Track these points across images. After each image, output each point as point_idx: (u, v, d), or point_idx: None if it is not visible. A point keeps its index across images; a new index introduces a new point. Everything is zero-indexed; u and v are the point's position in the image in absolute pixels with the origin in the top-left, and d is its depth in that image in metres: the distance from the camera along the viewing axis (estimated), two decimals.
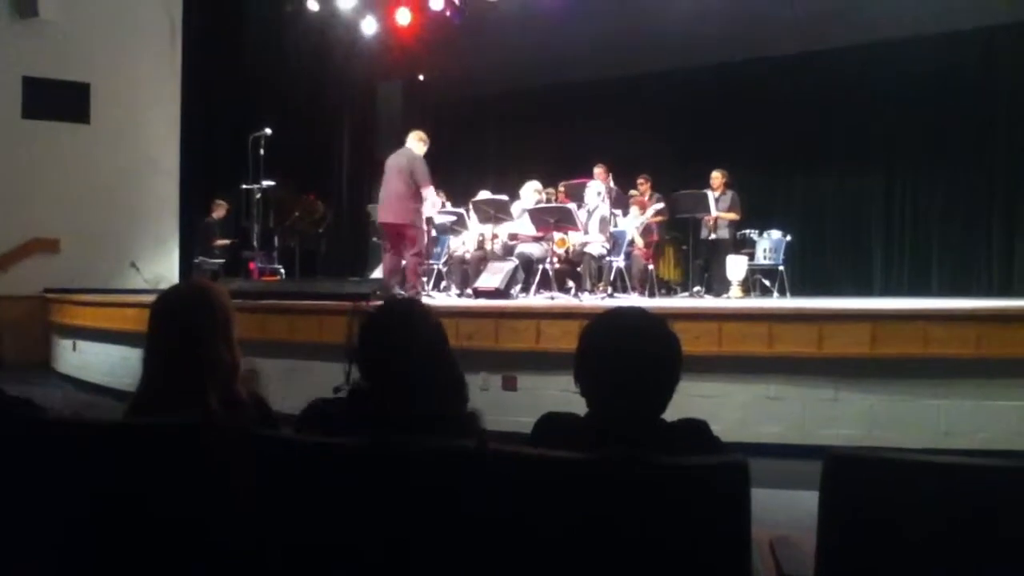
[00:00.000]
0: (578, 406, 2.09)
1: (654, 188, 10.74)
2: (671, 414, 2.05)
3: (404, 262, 8.57)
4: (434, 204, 8.62)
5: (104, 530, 2.04)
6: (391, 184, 8.31)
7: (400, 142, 8.66)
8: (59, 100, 10.90)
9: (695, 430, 2.04)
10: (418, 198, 8.28)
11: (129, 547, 2.04)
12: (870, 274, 11.99)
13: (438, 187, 9.46)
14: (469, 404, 2.26)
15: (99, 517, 2.04)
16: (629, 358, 1.99)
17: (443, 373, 2.19)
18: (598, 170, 10.62)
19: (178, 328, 2.21)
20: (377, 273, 9.86)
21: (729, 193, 10.22)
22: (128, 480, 2.05)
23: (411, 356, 2.15)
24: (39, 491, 2.08)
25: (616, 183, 10.94)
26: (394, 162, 8.39)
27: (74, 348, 9.29)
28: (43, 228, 10.68)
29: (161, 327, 2.25)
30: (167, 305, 2.29)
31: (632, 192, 10.82)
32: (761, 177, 11.56)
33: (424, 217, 8.62)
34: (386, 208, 8.39)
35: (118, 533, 2.04)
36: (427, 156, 8.46)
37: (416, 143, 8.45)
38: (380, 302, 2.33)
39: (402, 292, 8.38)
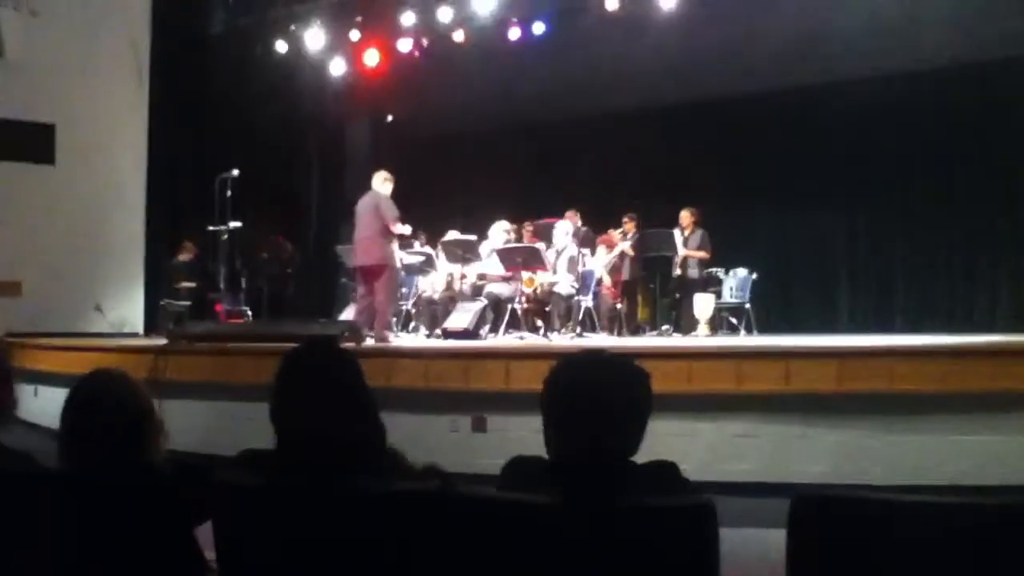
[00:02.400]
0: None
1: (639, 227, 10.72)
2: (641, 454, 2.04)
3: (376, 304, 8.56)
4: (405, 230, 8.63)
5: None
6: (363, 227, 8.34)
7: (368, 182, 8.68)
8: (24, 141, 10.80)
9: (664, 473, 2.03)
10: (390, 238, 8.30)
11: None
12: (835, 310, 12.09)
13: (415, 229, 9.50)
14: (390, 444, 2.21)
15: None
16: (592, 401, 1.98)
17: (358, 415, 2.14)
18: (569, 213, 10.69)
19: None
20: (346, 314, 9.82)
21: (699, 232, 10.28)
22: None
23: (322, 400, 2.10)
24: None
25: (586, 221, 11.00)
26: (363, 205, 8.44)
27: (35, 394, 9.12)
28: (5, 270, 10.53)
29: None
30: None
31: (614, 231, 10.81)
32: (726, 215, 11.64)
33: (397, 258, 8.64)
34: (360, 251, 8.41)
35: None
36: (395, 196, 8.52)
37: (382, 184, 8.49)
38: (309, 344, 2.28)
39: (370, 334, 8.35)
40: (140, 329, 11.62)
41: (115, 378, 2.29)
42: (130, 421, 2.17)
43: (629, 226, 10.75)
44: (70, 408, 2.20)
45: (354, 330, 7.86)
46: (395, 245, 8.51)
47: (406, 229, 8.59)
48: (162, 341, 8.18)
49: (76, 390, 2.23)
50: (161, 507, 2.08)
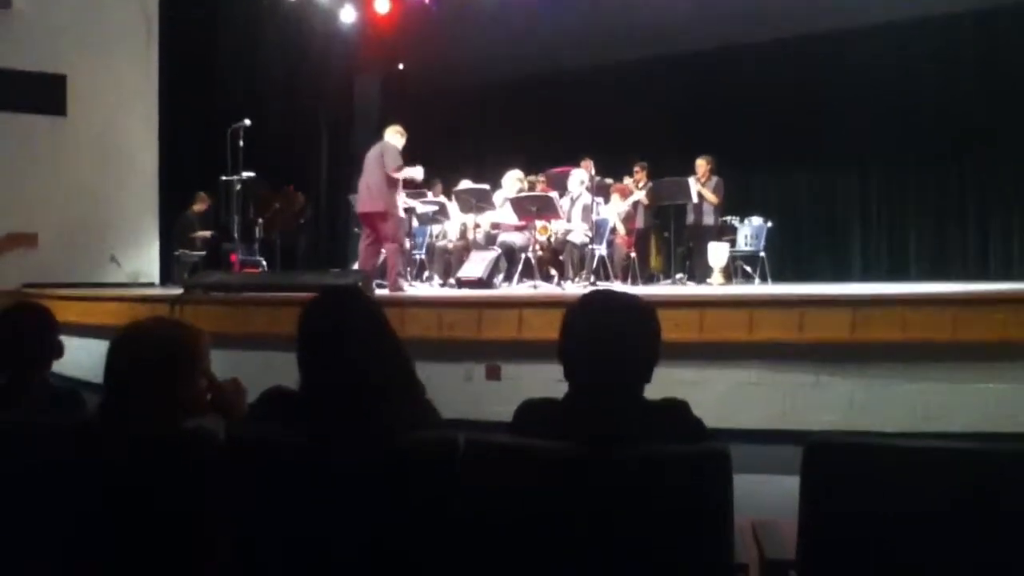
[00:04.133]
0: (561, 395, 2.10)
1: (649, 176, 10.71)
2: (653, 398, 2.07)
3: (384, 253, 8.57)
4: (415, 175, 8.59)
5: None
6: (368, 174, 8.34)
7: (379, 133, 8.66)
8: (35, 92, 10.77)
9: (676, 410, 2.07)
10: (394, 186, 8.28)
11: None
12: (849, 259, 12.08)
13: (429, 178, 9.48)
14: (426, 393, 2.24)
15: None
16: (605, 335, 2.02)
17: (387, 362, 2.16)
18: (584, 162, 10.65)
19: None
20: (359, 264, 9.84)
21: (714, 179, 10.21)
22: None
23: (347, 345, 2.12)
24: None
25: (599, 172, 10.95)
26: (371, 153, 8.43)
27: None
28: (21, 223, 10.59)
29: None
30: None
31: (626, 179, 10.80)
32: (740, 164, 11.58)
33: (402, 206, 8.62)
34: (363, 197, 8.41)
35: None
36: (408, 147, 8.48)
37: (393, 135, 8.46)
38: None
39: (383, 283, 8.38)
40: (156, 279, 11.70)
41: (160, 327, 2.31)
42: (169, 371, 2.17)
43: (640, 175, 10.71)
44: (113, 356, 2.21)
45: (366, 280, 7.89)
46: (400, 193, 8.48)
47: (416, 172, 8.53)
48: (178, 291, 8.24)
49: (120, 339, 2.24)
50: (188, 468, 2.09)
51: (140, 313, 7.53)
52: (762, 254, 10.39)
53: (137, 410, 2.09)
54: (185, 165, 11.97)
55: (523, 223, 9.46)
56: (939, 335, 5.47)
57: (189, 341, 2.23)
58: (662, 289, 9.39)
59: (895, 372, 5.58)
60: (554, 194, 9.55)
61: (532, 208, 9.24)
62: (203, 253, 11.55)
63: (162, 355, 2.16)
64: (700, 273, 10.14)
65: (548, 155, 11.66)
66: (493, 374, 6.30)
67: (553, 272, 9.73)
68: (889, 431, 5.15)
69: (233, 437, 2.09)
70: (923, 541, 1.80)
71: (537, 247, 9.46)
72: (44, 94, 10.80)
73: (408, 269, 9.46)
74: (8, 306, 2.96)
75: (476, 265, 9.30)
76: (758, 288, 9.43)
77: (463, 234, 10.28)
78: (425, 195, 10.24)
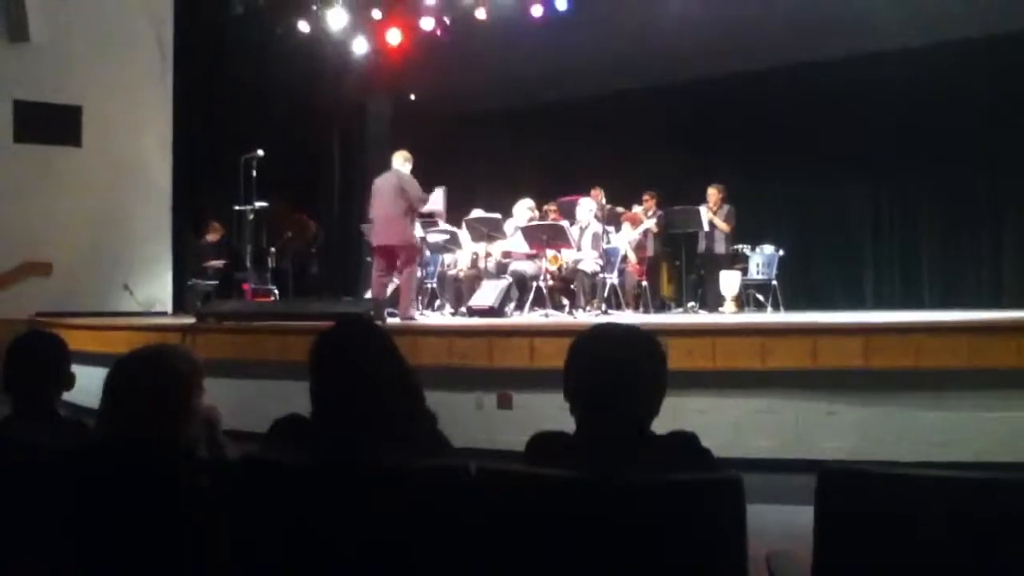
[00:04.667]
0: (573, 424, 2.10)
1: (659, 204, 10.74)
2: (666, 429, 2.06)
3: (397, 282, 8.58)
4: (437, 204, 8.62)
5: None
6: (383, 206, 8.29)
7: (390, 161, 8.68)
8: (51, 123, 10.90)
9: (684, 442, 2.05)
10: (411, 216, 8.30)
11: None
12: (862, 287, 12.03)
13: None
14: (438, 422, 2.25)
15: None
16: (611, 369, 2.01)
17: (397, 391, 2.17)
18: (594, 191, 10.69)
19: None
20: (371, 293, 9.86)
21: (726, 207, 10.24)
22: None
23: (357, 374, 2.14)
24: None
25: (609, 200, 10.98)
26: (383, 184, 8.38)
27: None
28: (35, 251, 10.67)
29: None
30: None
31: (635, 208, 10.83)
32: (752, 191, 11.58)
33: (417, 236, 8.66)
34: (380, 229, 8.38)
35: None
36: (418, 174, 8.50)
37: (402, 163, 8.47)
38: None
39: (394, 311, 8.39)
40: (169, 308, 11.75)
41: (159, 354, 2.32)
42: (167, 398, 2.19)
43: (649, 203, 10.74)
44: (110, 381, 2.22)
45: (378, 308, 7.90)
46: (417, 224, 8.51)
47: (437, 199, 8.54)
48: (190, 320, 8.27)
49: (120, 363, 2.26)
50: (185, 488, 2.10)
51: (152, 341, 7.55)
52: (774, 282, 10.37)
53: (134, 432, 2.10)
54: (198, 194, 12.06)
55: (534, 252, 9.48)
56: (953, 362, 5.44)
57: (187, 366, 2.25)
58: (674, 318, 9.38)
59: (909, 400, 5.55)
60: (565, 223, 9.57)
61: (543, 237, 9.25)
62: (216, 282, 11.60)
63: (161, 378, 2.18)
64: (712, 301, 10.12)
65: (559, 183, 11.69)
66: (505, 403, 6.29)
67: (564, 301, 9.73)
68: (904, 459, 5.11)
69: (247, 461, 2.09)
70: (938, 571, 1.78)
71: (548, 276, 9.46)
72: (60, 125, 10.93)
73: (420, 298, 9.47)
74: (23, 333, 2.95)
75: (487, 294, 9.31)
76: (770, 316, 9.40)
77: (474, 263, 10.30)
78: (437, 224, 10.28)
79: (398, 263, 8.37)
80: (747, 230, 10.67)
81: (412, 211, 8.27)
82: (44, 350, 2.86)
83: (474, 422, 6.06)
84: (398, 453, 2.01)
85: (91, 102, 11.16)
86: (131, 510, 2.02)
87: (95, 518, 2.04)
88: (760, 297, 10.53)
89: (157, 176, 11.82)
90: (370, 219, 8.72)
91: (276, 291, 11.00)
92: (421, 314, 9.14)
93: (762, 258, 10.51)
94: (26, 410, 2.71)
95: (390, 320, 8.01)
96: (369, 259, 9.91)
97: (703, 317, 9.21)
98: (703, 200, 10.26)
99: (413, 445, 2.07)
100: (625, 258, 10.10)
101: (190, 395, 2.26)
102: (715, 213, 10.15)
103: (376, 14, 12.10)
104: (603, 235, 9.89)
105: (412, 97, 14.01)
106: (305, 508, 1.99)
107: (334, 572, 1.95)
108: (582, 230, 9.78)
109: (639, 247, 10.43)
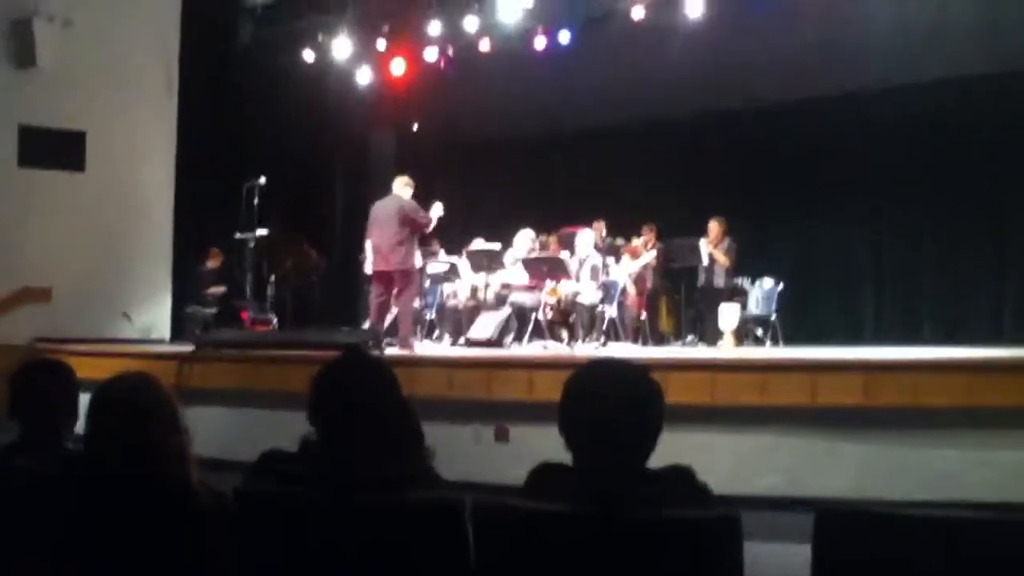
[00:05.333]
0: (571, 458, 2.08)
1: (658, 237, 10.75)
2: (663, 465, 2.05)
3: (396, 310, 8.55)
4: (437, 213, 8.60)
5: None
6: (383, 232, 8.30)
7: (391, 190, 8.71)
8: (55, 148, 10.91)
9: (680, 477, 2.04)
10: (411, 242, 8.31)
11: None
12: (862, 321, 11.99)
13: (432, 236, 9.51)
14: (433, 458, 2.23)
15: None
16: (607, 406, 2.00)
17: (395, 427, 2.17)
18: (595, 223, 10.71)
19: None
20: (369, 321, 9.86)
21: (726, 241, 10.23)
22: None
23: (354, 407, 2.14)
24: None
25: (611, 232, 10.99)
26: (382, 210, 8.39)
27: None
28: (35, 277, 10.65)
29: None
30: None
31: (635, 240, 10.84)
32: (750, 226, 11.59)
33: (417, 264, 8.66)
34: (380, 256, 8.38)
35: None
36: (418, 203, 8.53)
37: (403, 188, 8.49)
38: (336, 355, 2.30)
39: (392, 340, 8.37)
40: (167, 335, 11.71)
41: (136, 383, 2.31)
42: (147, 425, 2.18)
43: (648, 236, 10.76)
44: (91, 410, 2.22)
45: (376, 338, 7.90)
46: (417, 250, 8.52)
47: (436, 210, 8.53)
48: (189, 348, 8.26)
49: (98, 392, 2.25)
50: (172, 516, 2.10)
51: (150, 368, 7.54)
52: (773, 317, 10.35)
53: (116, 459, 2.10)
54: (200, 221, 12.07)
55: (533, 283, 9.48)
56: (953, 401, 5.43)
57: (165, 395, 2.25)
58: (673, 352, 9.36)
59: (908, 438, 5.52)
60: (564, 254, 9.58)
61: (543, 268, 9.26)
62: (215, 309, 11.58)
63: (139, 406, 2.18)
64: (711, 335, 10.10)
65: (559, 214, 11.70)
66: (502, 435, 6.26)
67: (563, 333, 9.72)
68: (902, 498, 5.08)
69: (238, 492, 2.08)
70: None
71: (547, 308, 9.46)
72: (64, 150, 10.94)
73: (418, 328, 9.46)
74: (35, 361, 2.88)
75: (486, 325, 9.30)
76: (770, 352, 9.38)
77: (473, 294, 10.30)
78: (436, 255, 10.30)
79: (395, 290, 8.36)
80: (747, 264, 10.67)
81: (418, 233, 8.28)
82: (55, 381, 2.79)
83: (471, 455, 6.02)
84: (394, 485, 2.01)
85: (95, 128, 11.19)
86: (116, 538, 2.01)
87: (80, 547, 2.03)
88: (759, 331, 10.50)
89: (159, 203, 11.82)
90: (366, 247, 8.73)
91: (275, 319, 11.00)
92: (419, 343, 9.13)
93: (761, 292, 10.50)
94: (28, 440, 2.65)
95: (388, 349, 8.00)
96: (367, 287, 9.91)
97: (703, 352, 9.20)
98: (704, 233, 10.27)
99: (408, 478, 2.06)
100: (624, 291, 10.10)
101: (162, 425, 2.23)
102: (716, 247, 10.16)
103: (381, 45, 12.19)
104: (603, 267, 9.89)
105: (415, 127, 14.09)
106: (299, 541, 1.98)
107: None
108: (581, 262, 9.79)
109: (639, 280, 10.44)
